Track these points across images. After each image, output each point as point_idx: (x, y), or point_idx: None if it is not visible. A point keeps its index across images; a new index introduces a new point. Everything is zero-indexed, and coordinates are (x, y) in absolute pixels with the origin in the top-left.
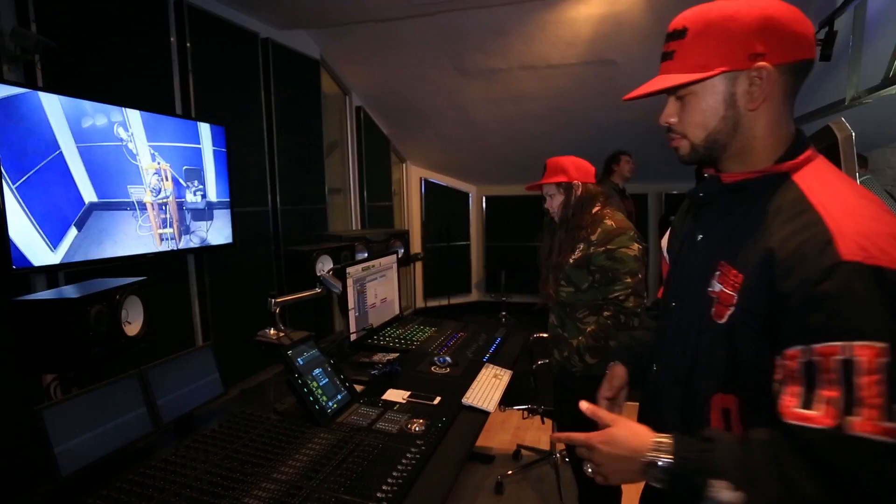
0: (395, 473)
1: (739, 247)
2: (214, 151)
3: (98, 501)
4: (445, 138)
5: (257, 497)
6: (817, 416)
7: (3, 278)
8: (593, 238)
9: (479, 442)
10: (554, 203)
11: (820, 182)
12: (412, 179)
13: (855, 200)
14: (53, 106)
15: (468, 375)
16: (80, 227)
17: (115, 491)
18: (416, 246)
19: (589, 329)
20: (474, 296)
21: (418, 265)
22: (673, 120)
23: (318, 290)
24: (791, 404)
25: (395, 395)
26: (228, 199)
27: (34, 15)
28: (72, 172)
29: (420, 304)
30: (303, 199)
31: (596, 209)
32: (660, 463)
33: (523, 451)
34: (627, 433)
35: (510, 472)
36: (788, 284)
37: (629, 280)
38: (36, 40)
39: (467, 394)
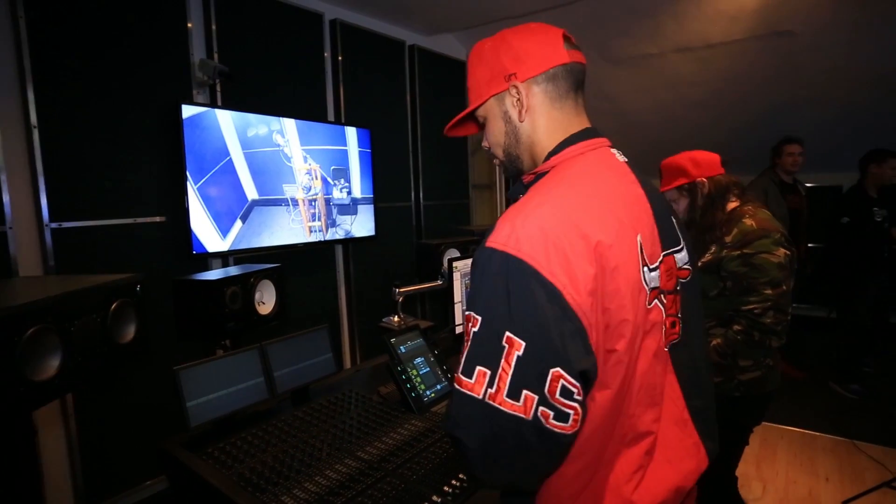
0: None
1: None
2: (360, 152)
3: (216, 451)
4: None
5: (337, 471)
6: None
7: (185, 261)
8: (728, 240)
9: None
10: (680, 207)
11: (545, 181)
12: None
13: (542, 195)
14: (226, 119)
15: None
16: (244, 220)
17: (230, 445)
18: None
19: (714, 342)
20: None
21: None
22: (485, 144)
23: (440, 282)
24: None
25: None
26: (372, 196)
27: (216, 47)
28: (238, 174)
29: None
30: (446, 194)
31: (732, 205)
32: None
33: None
34: None
35: None
36: None
37: (769, 292)
38: (215, 67)
39: None
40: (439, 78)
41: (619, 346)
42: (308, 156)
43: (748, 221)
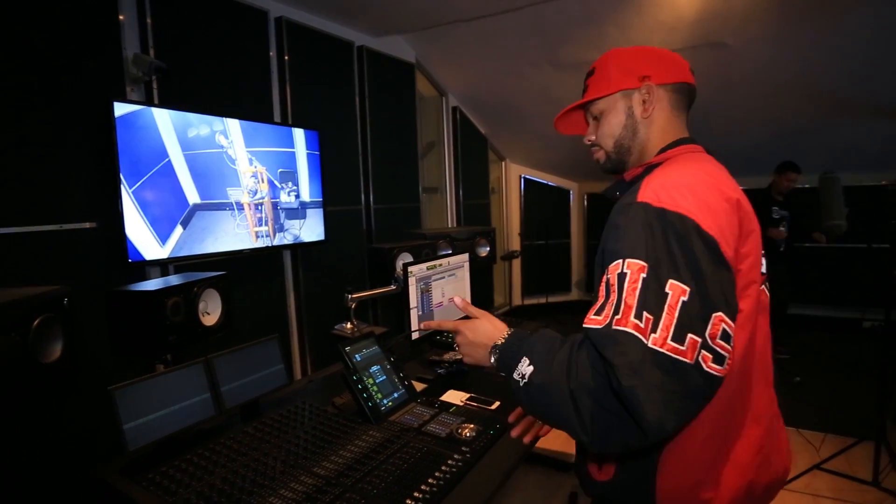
0: (430, 481)
1: None
2: (308, 155)
3: (157, 476)
4: (543, 135)
5: (293, 490)
6: (599, 319)
7: (120, 270)
8: None
9: (563, 448)
10: None
11: (667, 165)
12: (511, 177)
13: (679, 168)
14: (164, 119)
15: None
16: (185, 225)
17: (173, 469)
18: (515, 243)
19: None
20: (574, 295)
21: (516, 262)
22: (592, 137)
23: (394, 287)
24: (589, 313)
25: (455, 396)
26: (321, 199)
27: (152, 41)
28: (178, 177)
29: (518, 301)
30: (396, 197)
31: None
32: (498, 342)
33: None
34: (489, 325)
35: None
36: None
37: None
38: (150, 63)
39: None
40: (389, 80)
41: (744, 306)
42: (254, 158)
43: None
